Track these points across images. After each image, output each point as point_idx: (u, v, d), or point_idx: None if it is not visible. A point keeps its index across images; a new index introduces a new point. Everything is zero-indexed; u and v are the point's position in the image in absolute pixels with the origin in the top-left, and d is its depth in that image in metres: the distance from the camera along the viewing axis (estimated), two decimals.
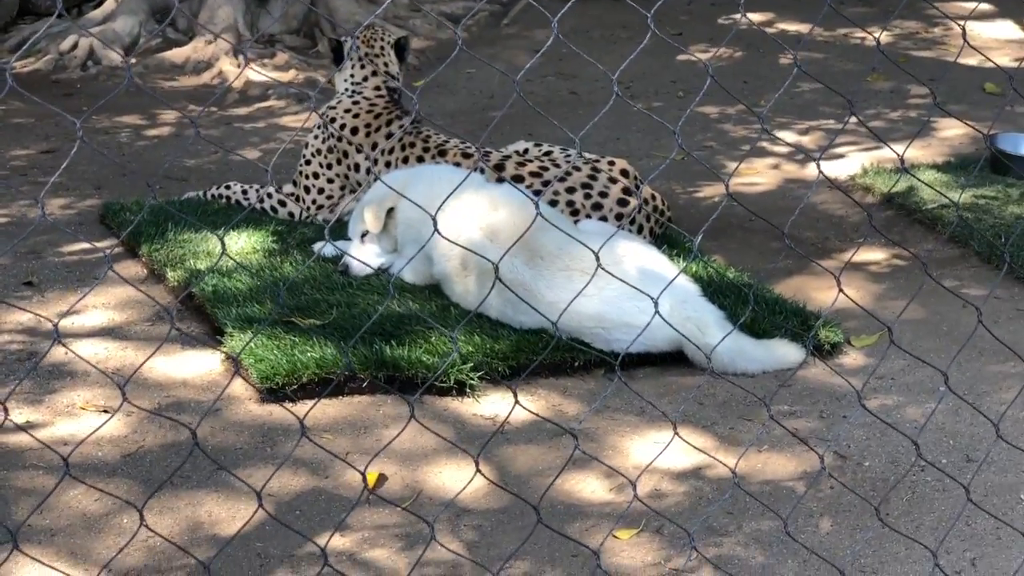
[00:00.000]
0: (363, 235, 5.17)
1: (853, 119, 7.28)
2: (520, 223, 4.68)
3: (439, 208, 2.31)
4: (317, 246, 5.42)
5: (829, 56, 8.92)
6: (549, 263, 4.62)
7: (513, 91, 8.22)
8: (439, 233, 2.19)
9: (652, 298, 2.39)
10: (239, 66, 8.91)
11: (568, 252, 4.57)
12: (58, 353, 4.68)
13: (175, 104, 8.23)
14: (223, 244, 1.89)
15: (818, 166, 2.58)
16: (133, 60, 9.11)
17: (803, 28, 9.58)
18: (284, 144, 7.34)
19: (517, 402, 2.27)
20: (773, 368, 4.59)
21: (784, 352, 4.62)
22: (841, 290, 2.61)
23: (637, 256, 4.69)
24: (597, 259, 2.28)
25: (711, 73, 2.23)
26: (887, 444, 4.13)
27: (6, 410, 2.50)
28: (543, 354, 4.52)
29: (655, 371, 4.64)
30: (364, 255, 5.16)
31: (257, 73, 8.72)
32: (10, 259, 5.52)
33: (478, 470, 2.12)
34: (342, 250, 5.27)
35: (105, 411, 4.29)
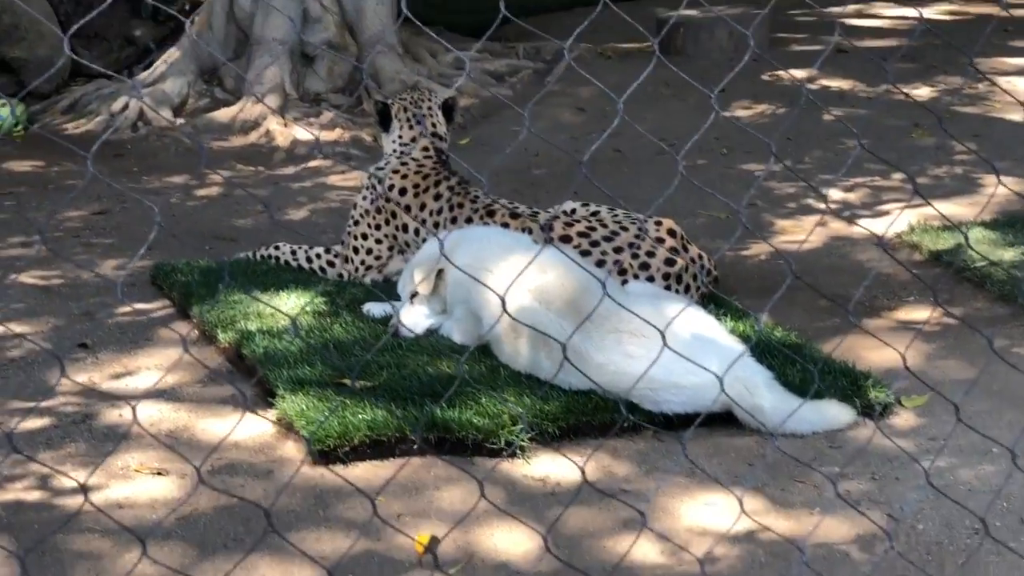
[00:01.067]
0: (413, 296, 5.20)
1: (898, 175, 7.29)
2: (569, 285, 4.71)
3: (504, 281, 2.33)
4: (366, 307, 5.46)
5: (872, 112, 8.93)
6: (598, 325, 4.64)
7: (557, 150, 8.27)
8: (507, 314, 2.22)
9: (708, 369, 2.40)
10: (286, 125, 9.00)
11: (617, 314, 4.58)
12: (112, 415, 4.73)
13: (223, 164, 8.31)
14: (295, 325, 1.92)
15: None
16: (181, 120, 9.21)
17: (845, 84, 9.60)
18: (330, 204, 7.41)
19: (585, 479, 2.28)
20: (823, 429, 4.58)
21: (834, 413, 4.61)
22: (904, 359, 2.62)
23: (686, 317, 4.70)
24: (663, 337, 2.30)
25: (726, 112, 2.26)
26: (941, 507, 4.12)
27: (85, 492, 2.54)
28: (591, 415, 4.54)
29: (704, 431, 4.63)
30: (414, 316, 5.19)
31: (304, 131, 8.82)
32: (64, 320, 5.59)
33: (548, 549, 2.13)
34: (391, 311, 5.32)
35: (159, 473, 4.33)
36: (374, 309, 5.41)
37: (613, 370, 4.57)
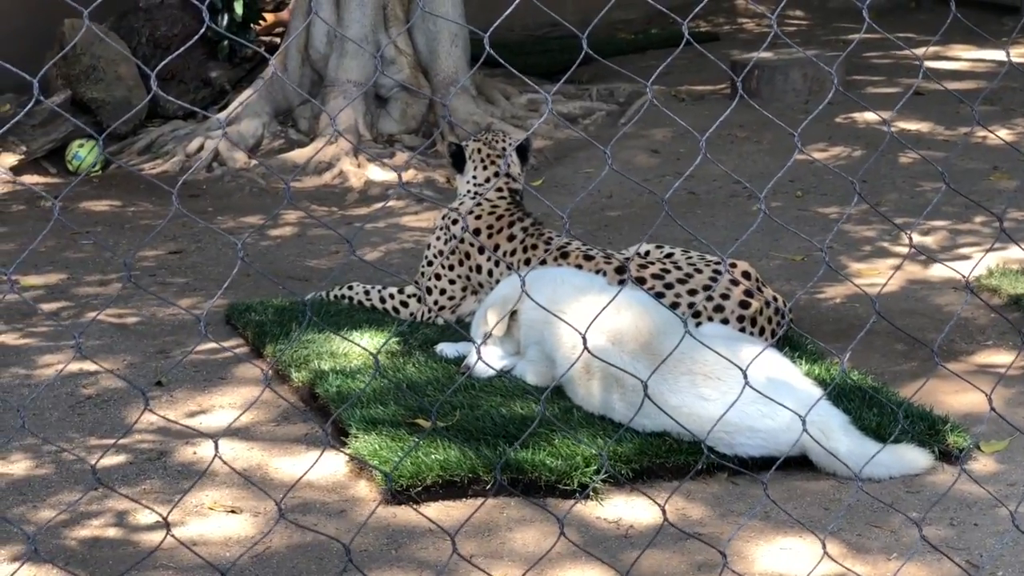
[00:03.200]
0: (487, 337, 5.20)
1: (978, 218, 7.21)
2: (644, 327, 4.69)
3: (584, 321, 2.32)
4: (439, 347, 5.46)
5: (950, 155, 8.86)
6: (672, 367, 4.61)
7: (631, 192, 8.27)
8: (588, 351, 2.20)
9: (788, 407, 2.37)
10: (359, 166, 9.06)
11: (691, 356, 4.55)
12: (187, 453, 4.76)
13: (298, 205, 8.37)
14: (377, 362, 1.91)
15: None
16: (255, 162, 9.30)
17: (923, 127, 9.52)
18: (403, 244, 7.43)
19: (665, 518, 2.25)
20: (900, 474, 4.52)
21: (912, 457, 4.55)
22: (990, 400, 2.57)
23: (761, 360, 4.66)
24: (745, 377, 2.27)
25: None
26: (1021, 553, 4.05)
27: (168, 526, 2.55)
28: (666, 457, 4.51)
29: (780, 475, 4.58)
30: (487, 357, 5.18)
31: (380, 172, 8.86)
32: (140, 358, 5.63)
33: None
34: (464, 352, 5.32)
35: (233, 511, 4.34)
36: (447, 350, 5.41)
37: (687, 412, 4.54)
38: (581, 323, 4.71)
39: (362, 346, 4.66)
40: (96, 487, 4.45)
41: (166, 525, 2.24)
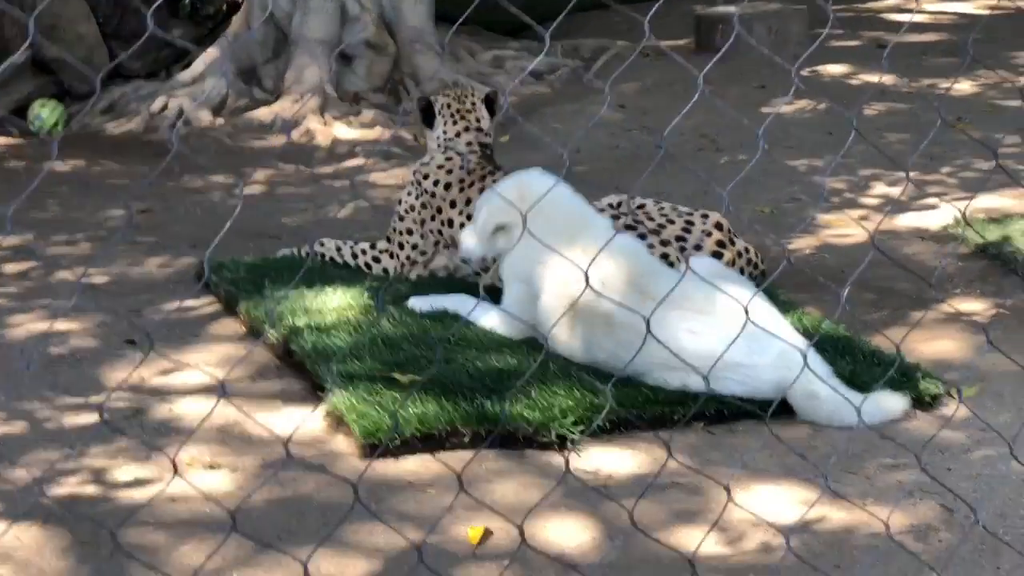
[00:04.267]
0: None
1: (945, 169, 7.25)
2: (629, 267, 4.71)
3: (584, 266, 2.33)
4: (411, 302, 5.45)
5: (914, 107, 8.90)
6: (663, 303, 4.61)
7: (598, 146, 8.27)
8: (592, 288, 2.21)
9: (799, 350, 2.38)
10: (326, 124, 9.02)
11: (682, 293, 4.51)
12: (163, 410, 4.75)
13: (265, 163, 8.34)
14: (380, 298, 1.91)
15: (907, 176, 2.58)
16: (221, 120, 9.24)
17: (886, 79, 9.56)
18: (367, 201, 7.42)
19: (671, 460, 2.27)
20: (879, 420, 4.56)
21: (890, 404, 4.59)
22: (988, 338, 2.60)
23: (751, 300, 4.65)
24: (747, 313, 2.29)
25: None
26: (995, 497, 4.10)
27: (176, 468, 2.56)
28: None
29: (755, 424, 4.61)
30: (468, 241, 5.19)
31: (347, 129, 8.83)
32: (111, 318, 5.61)
33: (633, 523, 2.12)
34: (435, 305, 5.32)
35: (211, 467, 4.34)
36: (418, 304, 5.39)
37: (675, 347, 4.54)
38: (569, 264, 4.68)
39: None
40: (73, 446, 4.44)
41: (174, 467, 2.25)
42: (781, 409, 4.60)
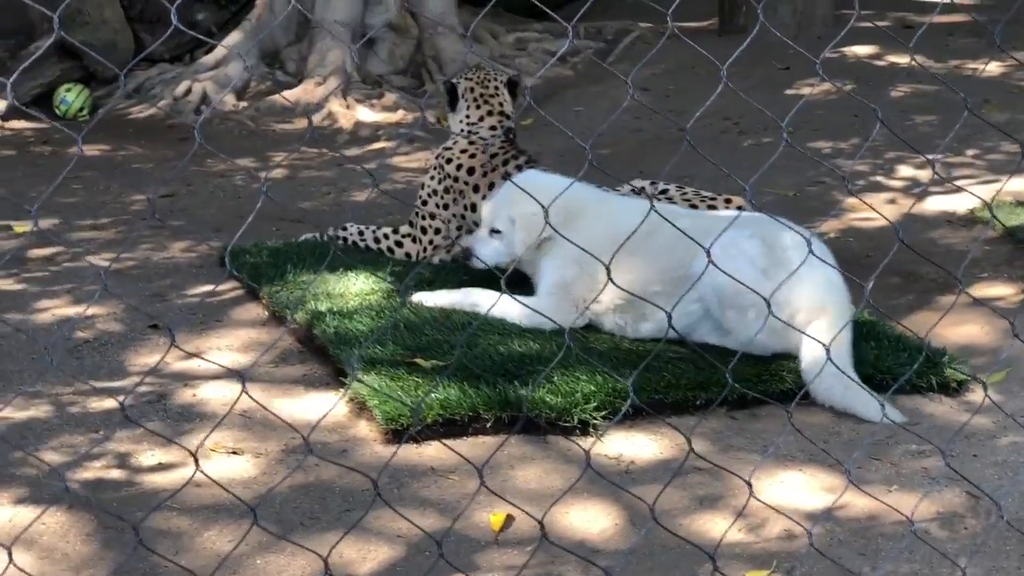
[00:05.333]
0: (493, 232, 5.20)
1: (971, 152, 7.20)
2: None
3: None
4: (416, 297, 5.37)
5: (941, 88, 8.84)
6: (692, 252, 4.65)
7: (621, 129, 8.24)
8: (612, 282, 2.22)
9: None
10: (348, 107, 9.02)
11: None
12: (186, 395, 4.76)
13: (287, 146, 8.34)
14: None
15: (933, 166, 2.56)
16: (245, 104, 9.25)
17: (913, 60, 9.50)
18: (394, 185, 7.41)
19: (691, 449, 2.26)
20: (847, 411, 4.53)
21: (863, 404, 4.51)
22: (1012, 325, 2.57)
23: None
24: (809, 245, 2.29)
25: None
26: (1020, 483, 4.07)
27: (197, 462, 2.55)
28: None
29: (778, 410, 4.60)
30: (490, 250, 5.18)
31: (369, 112, 8.83)
32: (135, 302, 5.62)
33: (653, 518, 2.12)
34: (439, 301, 5.27)
35: (234, 452, 4.35)
36: (425, 299, 5.29)
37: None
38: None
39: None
40: (98, 430, 4.45)
41: (195, 460, 2.25)
42: (805, 395, 4.59)
